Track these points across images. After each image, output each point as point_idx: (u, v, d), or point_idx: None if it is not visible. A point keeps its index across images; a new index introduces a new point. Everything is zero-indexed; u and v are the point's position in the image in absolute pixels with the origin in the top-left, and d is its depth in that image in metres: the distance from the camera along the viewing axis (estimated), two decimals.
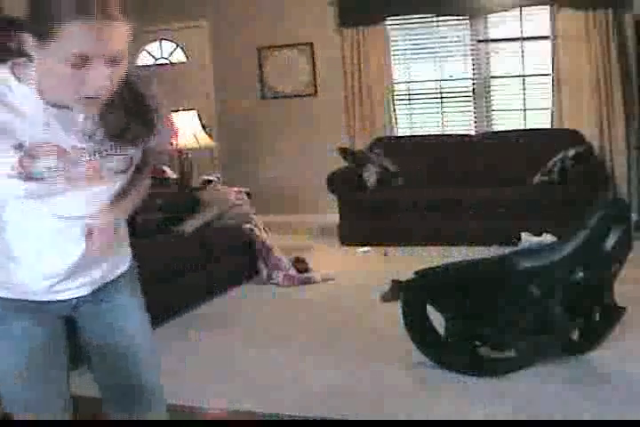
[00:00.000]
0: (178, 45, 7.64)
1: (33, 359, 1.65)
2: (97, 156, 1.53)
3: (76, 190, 1.54)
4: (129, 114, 1.54)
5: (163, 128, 1.65)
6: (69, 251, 1.60)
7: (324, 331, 3.93)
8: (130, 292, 1.79)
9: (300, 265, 5.13)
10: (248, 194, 5.45)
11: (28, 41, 1.38)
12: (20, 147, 1.44)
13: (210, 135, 6.38)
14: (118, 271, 1.75)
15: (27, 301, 1.63)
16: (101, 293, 1.72)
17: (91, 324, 1.74)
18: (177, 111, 5.54)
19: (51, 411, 1.71)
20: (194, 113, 5.95)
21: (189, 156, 5.91)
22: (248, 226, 5.12)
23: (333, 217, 6.28)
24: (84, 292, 1.69)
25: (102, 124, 1.52)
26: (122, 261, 1.78)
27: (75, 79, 1.37)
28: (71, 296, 1.67)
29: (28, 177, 1.46)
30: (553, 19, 6.26)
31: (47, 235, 1.57)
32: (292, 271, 5.02)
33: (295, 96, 7.22)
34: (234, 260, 4.97)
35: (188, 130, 5.78)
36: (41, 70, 1.41)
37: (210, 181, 5.44)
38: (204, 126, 6.10)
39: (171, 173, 5.69)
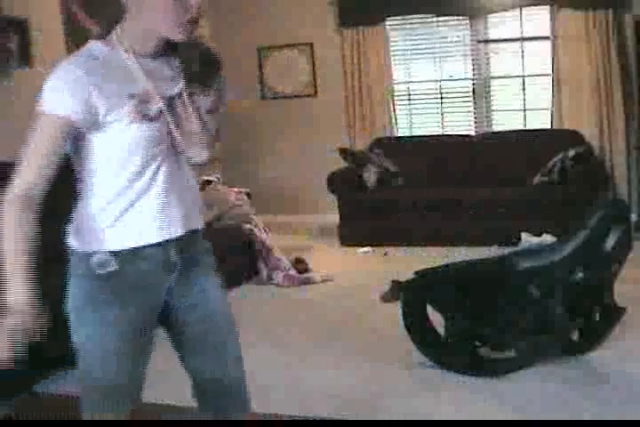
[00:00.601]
0: None
1: (127, 345, 1.70)
2: (187, 98, 1.73)
3: (176, 133, 1.70)
4: (202, 61, 1.74)
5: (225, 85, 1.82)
6: (174, 179, 1.72)
7: (324, 331, 3.93)
8: (213, 272, 1.86)
9: (300, 265, 5.13)
10: (248, 194, 5.44)
11: None
12: (132, 96, 1.63)
13: None
14: (199, 223, 1.81)
15: (142, 248, 1.69)
16: (190, 265, 1.77)
17: (186, 309, 1.81)
18: None
19: (127, 398, 1.75)
20: None
21: None
22: (248, 226, 5.11)
23: (333, 217, 6.27)
24: (181, 229, 1.74)
25: (183, 69, 1.73)
26: (199, 212, 1.84)
27: (177, 6, 1.60)
28: (173, 233, 1.72)
29: (145, 119, 1.64)
30: (553, 19, 6.25)
31: (155, 171, 1.69)
32: (292, 272, 5.02)
33: (295, 96, 7.21)
34: (233, 260, 4.96)
35: None
36: (141, 17, 1.63)
37: (210, 182, 5.43)
38: None
39: None
